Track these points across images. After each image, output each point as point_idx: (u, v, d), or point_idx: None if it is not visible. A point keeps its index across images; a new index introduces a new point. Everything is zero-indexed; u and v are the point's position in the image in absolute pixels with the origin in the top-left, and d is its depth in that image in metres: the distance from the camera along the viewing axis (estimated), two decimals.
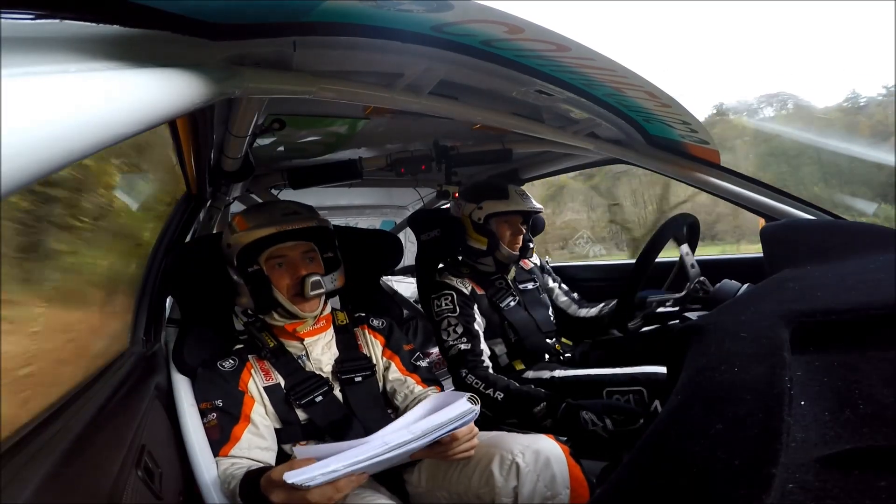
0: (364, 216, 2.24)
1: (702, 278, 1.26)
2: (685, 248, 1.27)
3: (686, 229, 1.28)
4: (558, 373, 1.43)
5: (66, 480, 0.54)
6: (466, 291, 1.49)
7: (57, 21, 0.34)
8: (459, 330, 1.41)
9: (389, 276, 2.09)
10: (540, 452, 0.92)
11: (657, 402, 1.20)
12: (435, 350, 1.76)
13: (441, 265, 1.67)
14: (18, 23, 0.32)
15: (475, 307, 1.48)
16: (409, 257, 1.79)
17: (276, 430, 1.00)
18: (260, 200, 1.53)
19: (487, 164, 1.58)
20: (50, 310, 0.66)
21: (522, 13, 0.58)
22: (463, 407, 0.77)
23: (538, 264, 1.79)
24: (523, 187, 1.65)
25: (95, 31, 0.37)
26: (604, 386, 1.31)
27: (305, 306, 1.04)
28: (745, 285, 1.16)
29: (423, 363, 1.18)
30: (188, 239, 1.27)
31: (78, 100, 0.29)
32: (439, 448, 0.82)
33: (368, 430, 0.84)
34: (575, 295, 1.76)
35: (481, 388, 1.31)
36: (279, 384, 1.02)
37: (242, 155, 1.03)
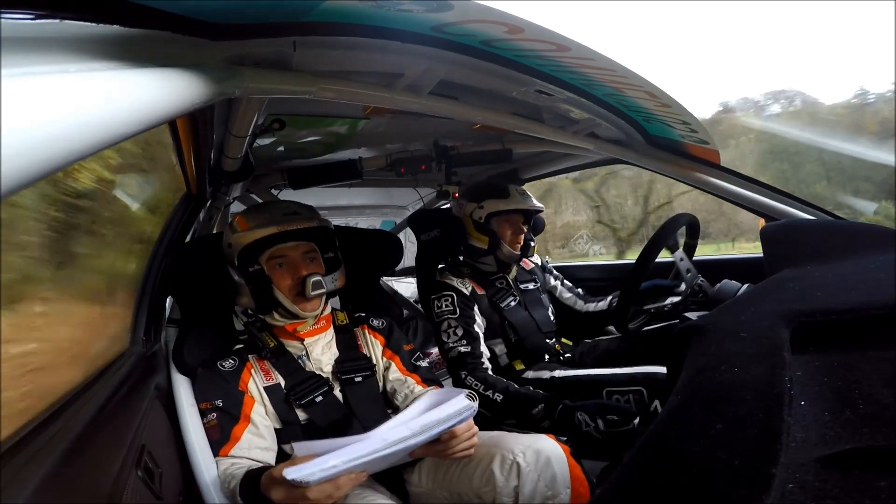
0: (364, 216, 2.24)
1: (700, 280, 1.26)
2: (679, 253, 1.27)
3: (686, 229, 1.29)
4: (558, 373, 1.43)
5: (66, 480, 0.53)
6: (467, 292, 1.49)
7: (57, 21, 0.34)
8: (459, 332, 1.41)
9: (389, 277, 2.09)
10: (541, 452, 0.92)
11: (657, 402, 1.20)
12: (435, 350, 1.76)
13: (441, 265, 1.67)
14: (18, 23, 0.32)
15: (475, 308, 1.48)
16: (409, 257, 1.79)
17: (276, 430, 1.00)
18: (260, 200, 1.53)
19: (487, 164, 1.58)
20: (50, 310, 0.66)
21: (522, 13, 0.58)
22: (461, 403, 0.76)
23: (539, 264, 1.79)
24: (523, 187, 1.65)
25: (95, 31, 0.37)
26: (604, 386, 1.31)
27: (306, 306, 1.04)
28: (745, 285, 1.16)
29: (424, 363, 1.18)
30: (188, 239, 1.27)
31: (78, 100, 0.29)
32: (439, 446, 0.82)
33: (368, 430, 0.84)
34: (580, 290, 1.75)
35: (481, 390, 1.31)
36: (279, 384, 1.02)
37: (242, 155, 1.03)
